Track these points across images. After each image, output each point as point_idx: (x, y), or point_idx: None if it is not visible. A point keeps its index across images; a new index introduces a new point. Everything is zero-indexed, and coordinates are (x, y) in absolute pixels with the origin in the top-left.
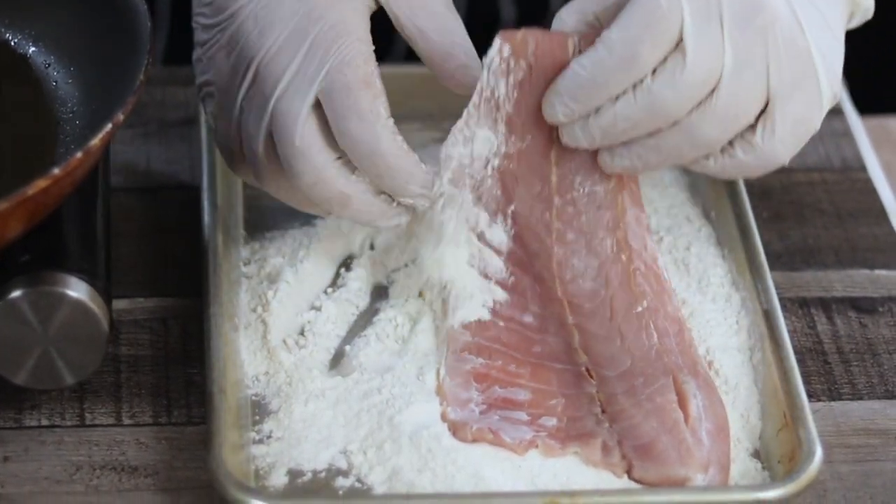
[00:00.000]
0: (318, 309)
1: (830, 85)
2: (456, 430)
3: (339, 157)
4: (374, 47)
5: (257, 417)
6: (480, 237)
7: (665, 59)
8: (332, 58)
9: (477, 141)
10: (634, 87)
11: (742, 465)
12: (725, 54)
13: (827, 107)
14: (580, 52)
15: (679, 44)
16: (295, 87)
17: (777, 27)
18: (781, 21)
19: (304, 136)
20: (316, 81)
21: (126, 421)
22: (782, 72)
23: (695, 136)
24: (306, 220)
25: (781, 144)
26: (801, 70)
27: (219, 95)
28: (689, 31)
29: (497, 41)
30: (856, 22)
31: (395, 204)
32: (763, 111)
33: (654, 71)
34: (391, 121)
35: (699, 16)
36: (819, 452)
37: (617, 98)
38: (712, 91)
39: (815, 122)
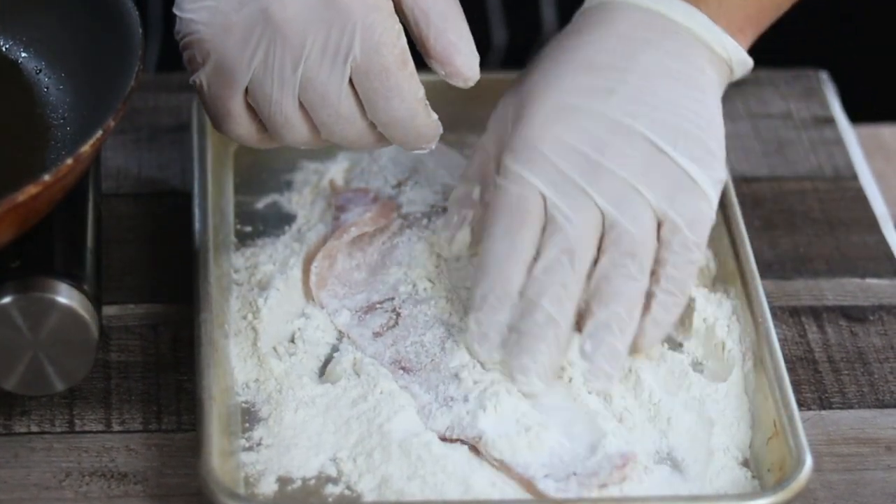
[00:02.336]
0: (308, 316)
1: (713, 183)
2: None
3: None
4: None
5: (247, 424)
6: None
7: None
8: (364, 34)
9: None
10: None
11: (732, 473)
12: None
13: (715, 196)
14: None
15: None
16: (327, 59)
17: (631, 159)
18: (634, 150)
19: (346, 106)
20: (349, 58)
21: (116, 427)
22: (657, 188)
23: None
24: (297, 227)
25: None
26: (675, 181)
27: (217, 54)
28: (553, 203)
29: None
30: (739, 75)
31: None
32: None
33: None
34: (423, 90)
35: (555, 188)
36: (809, 461)
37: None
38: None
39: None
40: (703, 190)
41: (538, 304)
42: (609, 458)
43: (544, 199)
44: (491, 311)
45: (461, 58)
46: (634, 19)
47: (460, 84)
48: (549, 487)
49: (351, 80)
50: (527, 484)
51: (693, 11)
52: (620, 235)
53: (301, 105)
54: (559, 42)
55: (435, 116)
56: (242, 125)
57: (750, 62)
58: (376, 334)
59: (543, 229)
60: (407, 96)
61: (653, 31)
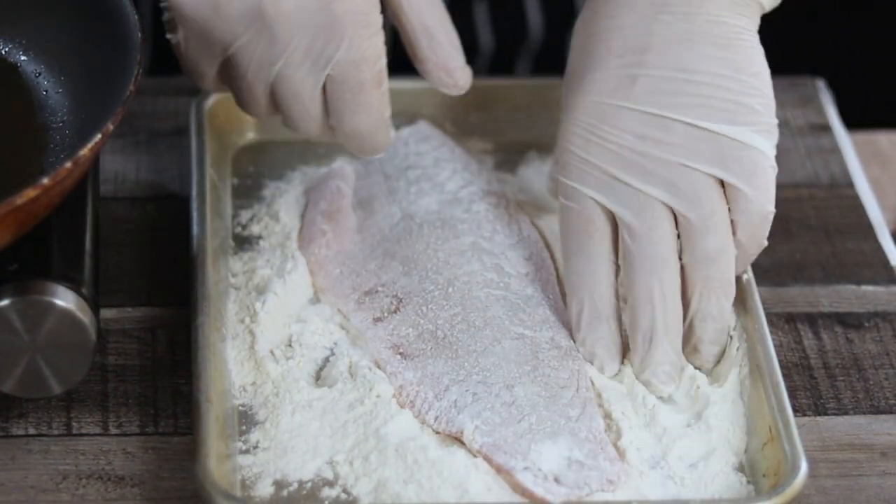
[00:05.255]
0: (305, 320)
1: (762, 133)
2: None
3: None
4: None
5: (244, 428)
6: None
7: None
8: (349, 46)
9: None
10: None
11: (727, 478)
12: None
13: (768, 143)
14: None
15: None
16: (308, 62)
17: (671, 144)
18: (672, 136)
19: (315, 108)
20: (329, 65)
21: (113, 430)
22: (705, 160)
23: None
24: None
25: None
26: (720, 147)
27: (198, 25)
28: (615, 211)
29: None
30: (770, 6)
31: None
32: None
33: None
34: (390, 110)
35: (611, 193)
36: (804, 467)
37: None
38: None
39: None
40: (752, 145)
41: (639, 312)
42: (597, 469)
43: (604, 207)
44: (589, 329)
45: (458, 69)
46: None
47: (454, 92)
48: (528, 480)
49: (324, 86)
50: (505, 474)
51: None
52: (688, 224)
53: (271, 92)
54: (584, 24)
55: (394, 134)
56: (211, 85)
57: None
58: (376, 319)
59: (616, 235)
60: (374, 113)
61: None
